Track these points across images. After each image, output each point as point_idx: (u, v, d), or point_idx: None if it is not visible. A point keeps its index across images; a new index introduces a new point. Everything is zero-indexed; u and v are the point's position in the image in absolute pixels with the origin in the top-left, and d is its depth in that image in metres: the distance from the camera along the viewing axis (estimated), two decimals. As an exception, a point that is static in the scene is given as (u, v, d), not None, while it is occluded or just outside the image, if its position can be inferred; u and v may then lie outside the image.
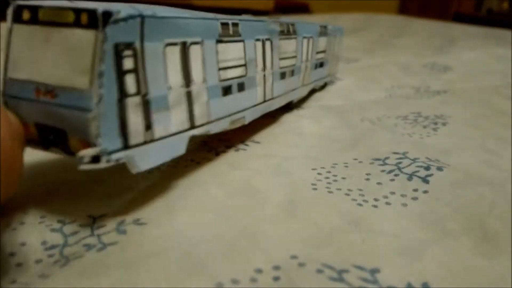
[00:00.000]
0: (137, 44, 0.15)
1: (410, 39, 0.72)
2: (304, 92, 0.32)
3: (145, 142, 0.16)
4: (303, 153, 0.24)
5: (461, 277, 0.14)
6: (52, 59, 0.14)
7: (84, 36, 0.14)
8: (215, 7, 1.39)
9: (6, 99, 0.15)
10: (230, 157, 0.23)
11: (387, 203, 0.19)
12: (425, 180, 0.20)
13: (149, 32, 0.15)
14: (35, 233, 0.16)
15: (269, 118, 0.29)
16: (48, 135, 0.15)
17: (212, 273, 0.14)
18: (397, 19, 1.04)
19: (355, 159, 0.23)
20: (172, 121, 0.17)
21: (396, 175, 0.21)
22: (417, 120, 0.30)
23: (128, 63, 0.14)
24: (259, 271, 0.14)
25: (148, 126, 0.16)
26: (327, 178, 0.21)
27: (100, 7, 0.14)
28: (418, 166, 0.21)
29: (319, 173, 0.21)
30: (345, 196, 0.19)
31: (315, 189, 0.19)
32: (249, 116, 0.23)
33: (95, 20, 0.13)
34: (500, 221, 0.17)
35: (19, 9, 0.15)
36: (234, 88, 0.21)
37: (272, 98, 0.26)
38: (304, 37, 0.30)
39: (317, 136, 0.27)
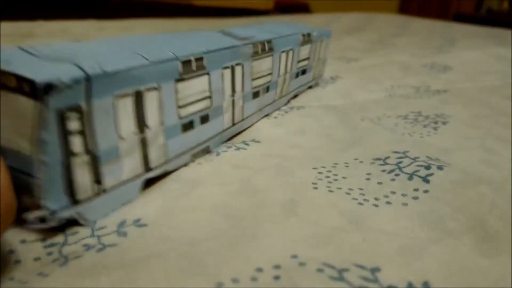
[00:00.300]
0: (83, 105, 0.15)
1: (410, 38, 0.72)
2: (281, 103, 0.32)
3: (95, 195, 0.16)
4: (304, 152, 0.24)
5: (461, 276, 0.14)
6: (5, 122, 0.14)
7: (26, 103, 0.14)
8: (215, 7, 1.40)
9: None
10: (231, 156, 0.23)
11: (388, 203, 0.19)
12: (425, 179, 0.20)
13: (97, 89, 0.15)
14: (35, 230, 0.16)
15: (270, 119, 0.29)
16: None
17: (212, 273, 0.14)
18: (397, 19, 1.04)
19: (356, 159, 0.23)
20: (124, 169, 0.17)
21: (396, 174, 0.21)
22: (417, 120, 0.30)
23: (73, 125, 0.14)
24: (259, 270, 0.14)
25: (97, 180, 0.16)
26: (328, 177, 0.21)
27: (42, 74, 0.13)
28: (418, 166, 0.21)
29: (319, 172, 0.21)
30: (346, 195, 0.19)
31: (315, 188, 0.19)
32: (214, 144, 0.23)
33: (35, 90, 0.13)
34: (500, 220, 0.17)
35: None
36: (197, 121, 0.21)
37: (242, 120, 0.26)
38: (283, 51, 0.29)
39: (318, 135, 0.27)
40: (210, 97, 0.22)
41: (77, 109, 0.14)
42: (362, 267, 0.14)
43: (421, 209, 0.18)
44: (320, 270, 0.14)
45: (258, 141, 0.25)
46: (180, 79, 0.19)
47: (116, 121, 0.16)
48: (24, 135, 0.14)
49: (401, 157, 0.22)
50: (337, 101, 0.35)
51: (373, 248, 0.15)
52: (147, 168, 0.18)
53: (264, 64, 0.27)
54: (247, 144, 0.24)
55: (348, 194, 0.19)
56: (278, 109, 0.31)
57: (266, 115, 0.30)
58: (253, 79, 0.26)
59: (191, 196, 0.18)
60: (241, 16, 1.00)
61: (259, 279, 0.13)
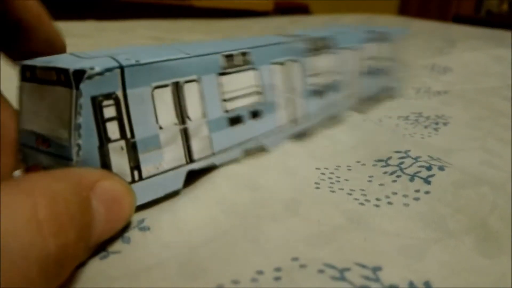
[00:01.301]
0: (119, 93, 0.16)
1: (410, 40, 0.72)
2: (349, 104, 0.30)
3: (133, 181, 0.16)
4: (307, 152, 0.24)
5: (462, 276, 0.14)
6: (45, 113, 0.16)
7: (63, 93, 0.15)
8: (214, 7, 1.40)
9: (21, 147, 0.17)
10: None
11: (389, 203, 0.19)
12: (426, 181, 0.20)
13: (132, 80, 0.16)
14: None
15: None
16: None
17: (213, 276, 0.14)
18: (397, 20, 1.04)
19: (358, 161, 0.23)
20: (165, 158, 0.17)
21: (398, 176, 0.21)
22: (418, 121, 0.30)
23: (109, 112, 0.15)
24: (260, 272, 0.14)
25: (135, 167, 0.17)
26: (330, 178, 0.21)
27: (77, 65, 0.15)
28: (420, 167, 0.21)
29: (322, 173, 0.21)
30: (348, 195, 0.19)
31: (318, 188, 0.19)
32: (272, 141, 0.23)
33: (69, 78, 0.15)
34: (501, 221, 0.17)
35: (23, 69, 0.16)
36: (246, 116, 0.21)
37: (304, 117, 0.25)
38: (346, 48, 0.28)
39: (319, 135, 0.27)
40: (260, 92, 0.22)
41: (112, 97, 0.15)
42: (363, 266, 0.14)
43: (422, 209, 0.18)
44: (321, 271, 0.14)
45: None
46: (223, 73, 0.20)
47: (154, 111, 0.17)
48: (64, 123, 0.15)
49: (402, 157, 0.22)
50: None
51: (375, 247, 0.16)
52: (191, 159, 0.19)
53: (324, 61, 0.26)
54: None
55: (350, 194, 0.19)
56: (347, 109, 0.30)
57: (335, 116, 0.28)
58: (311, 76, 0.26)
59: (193, 195, 0.18)
60: (241, 17, 1.00)
61: (260, 281, 0.14)
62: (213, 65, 0.19)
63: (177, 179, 0.18)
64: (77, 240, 0.12)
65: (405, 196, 0.19)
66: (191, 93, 0.18)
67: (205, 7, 1.41)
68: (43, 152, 0.16)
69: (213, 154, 0.20)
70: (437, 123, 0.30)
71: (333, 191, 0.19)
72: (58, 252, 0.11)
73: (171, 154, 0.18)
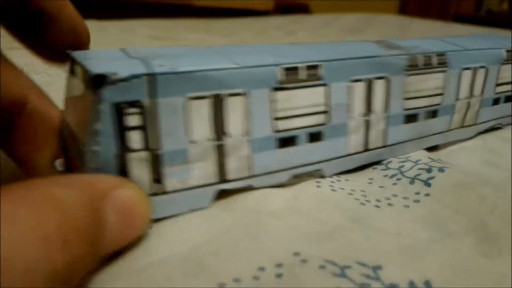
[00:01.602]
0: (146, 101, 0.14)
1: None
2: (465, 134, 0.26)
3: (153, 194, 0.16)
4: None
5: (462, 276, 0.14)
6: (76, 110, 0.16)
7: (87, 95, 0.14)
8: (215, 7, 1.40)
9: (62, 137, 0.17)
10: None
11: (389, 204, 0.19)
12: (427, 183, 0.20)
13: (164, 88, 0.15)
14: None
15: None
16: None
17: (214, 274, 0.14)
18: (397, 19, 1.04)
19: None
20: (193, 174, 0.16)
21: (398, 179, 0.21)
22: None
23: (132, 120, 0.14)
24: (261, 269, 0.14)
25: (157, 179, 0.16)
26: (331, 177, 0.21)
27: (104, 68, 0.14)
28: (420, 169, 0.21)
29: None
30: (348, 195, 0.19)
31: (319, 186, 0.19)
32: (331, 169, 0.20)
33: (91, 81, 0.14)
34: (502, 221, 0.17)
35: (71, 60, 0.16)
36: (302, 138, 0.19)
37: (384, 146, 0.22)
38: (466, 68, 0.24)
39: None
40: (326, 112, 0.19)
41: (138, 105, 0.14)
42: (363, 264, 0.14)
43: (422, 211, 0.18)
44: (322, 267, 0.14)
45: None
46: (279, 88, 0.17)
47: (187, 123, 0.16)
48: (85, 126, 0.14)
49: (403, 161, 0.22)
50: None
51: (375, 246, 0.16)
52: (223, 179, 0.17)
53: (429, 82, 0.22)
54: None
55: (351, 194, 0.19)
56: (459, 141, 0.26)
57: (435, 147, 0.25)
58: (407, 99, 0.22)
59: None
60: (241, 16, 1.00)
61: (261, 278, 0.14)
62: (268, 78, 0.17)
63: (204, 197, 0.17)
64: (86, 253, 0.11)
65: (405, 198, 0.19)
66: (234, 107, 0.16)
67: (205, 6, 1.41)
68: (72, 146, 0.16)
69: (253, 176, 0.18)
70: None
71: (334, 190, 0.19)
72: (66, 267, 0.10)
73: (201, 170, 0.16)
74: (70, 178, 0.13)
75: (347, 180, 0.21)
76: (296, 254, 0.15)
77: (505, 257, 0.15)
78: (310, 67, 0.18)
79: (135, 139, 0.15)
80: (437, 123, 0.24)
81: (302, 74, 0.18)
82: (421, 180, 0.20)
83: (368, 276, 0.14)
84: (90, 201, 0.12)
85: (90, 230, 0.12)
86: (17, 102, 0.17)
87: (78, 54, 0.16)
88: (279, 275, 0.14)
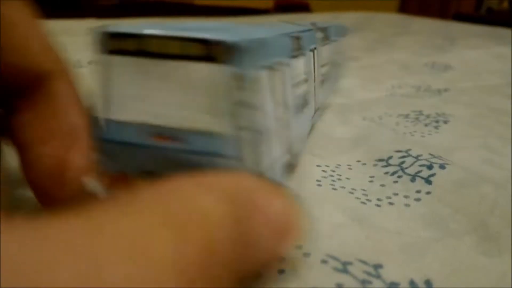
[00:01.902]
0: (254, 74, 0.12)
1: (410, 38, 0.72)
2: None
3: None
4: (307, 149, 0.24)
5: (463, 275, 0.14)
6: (171, 97, 0.12)
7: (215, 71, 0.11)
8: (215, 5, 1.40)
9: (104, 145, 0.13)
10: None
11: (390, 203, 0.19)
12: (427, 181, 0.20)
13: (253, 60, 0.12)
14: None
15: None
16: None
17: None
18: (397, 18, 1.04)
19: (358, 160, 0.23)
20: (273, 149, 0.14)
21: (399, 176, 0.21)
22: (418, 119, 0.30)
23: (253, 97, 0.12)
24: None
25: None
26: (332, 176, 0.21)
27: (224, 36, 0.11)
28: (421, 166, 0.21)
29: (323, 170, 0.21)
30: (349, 194, 0.19)
31: (319, 185, 0.20)
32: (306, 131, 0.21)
33: (227, 54, 0.11)
34: (502, 220, 0.17)
35: (119, 38, 0.12)
36: (300, 106, 0.19)
37: (318, 109, 0.25)
38: (333, 40, 0.28)
39: (319, 134, 0.27)
40: (307, 80, 0.20)
41: (258, 78, 0.12)
42: (364, 262, 0.14)
43: (423, 210, 0.18)
44: (324, 262, 0.14)
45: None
46: (292, 56, 0.17)
47: (267, 96, 0.14)
48: (217, 110, 0.12)
49: (403, 156, 0.22)
50: (337, 100, 0.35)
51: (376, 245, 0.16)
52: (289, 151, 0.16)
53: (325, 51, 0.26)
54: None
55: (351, 193, 0.19)
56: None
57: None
58: (321, 66, 0.25)
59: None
60: (242, 15, 1.00)
61: (263, 275, 0.14)
62: (288, 48, 0.17)
63: (279, 170, 0.15)
64: (226, 278, 0.09)
65: (406, 197, 0.19)
66: (285, 78, 0.15)
67: (206, 5, 1.41)
68: (160, 149, 0.12)
69: (296, 147, 0.18)
70: (437, 121, 0.30)
71: (334, 189, 0.19)
72: None
73: (277, 145, 0.14)
74: (206, 179, 0.10)
75: (348, 178, 0.21)
76: (298, 247, 0.15)
77: (505, 256, 0.15)
78: (297, 38, 0.18)
79: (263, 114, 0.13)
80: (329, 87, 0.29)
81: (298, 44, 0.18)
82: (422, 178, 0.20)
83: (369, 274, 0.14)
84: (236, 210, 0.09)
85: (234, 249, 0.09)
86: (32, 71, 0.13)
87: (131, 29, 0.12)
88: (281, 271, 0.14)
